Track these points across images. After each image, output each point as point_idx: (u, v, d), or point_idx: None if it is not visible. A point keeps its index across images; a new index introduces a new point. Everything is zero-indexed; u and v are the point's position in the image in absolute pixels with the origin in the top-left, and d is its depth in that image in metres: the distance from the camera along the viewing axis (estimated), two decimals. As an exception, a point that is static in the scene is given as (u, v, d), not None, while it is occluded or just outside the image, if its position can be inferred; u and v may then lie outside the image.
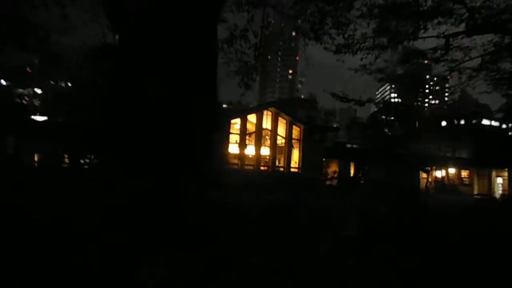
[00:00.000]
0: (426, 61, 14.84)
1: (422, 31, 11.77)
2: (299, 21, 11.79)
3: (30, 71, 34.05)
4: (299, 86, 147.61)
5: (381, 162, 36.18)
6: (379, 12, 11.05)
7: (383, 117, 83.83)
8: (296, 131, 32.30)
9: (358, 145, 54.35)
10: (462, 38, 12.17)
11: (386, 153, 39.63)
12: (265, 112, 31.23)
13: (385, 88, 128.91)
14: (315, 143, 32.38)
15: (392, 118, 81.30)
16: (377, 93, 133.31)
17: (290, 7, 10.87)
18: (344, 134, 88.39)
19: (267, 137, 31.28)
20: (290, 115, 31.95)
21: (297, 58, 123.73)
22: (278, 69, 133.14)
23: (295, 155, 32.47)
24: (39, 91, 38.45)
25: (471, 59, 12.90)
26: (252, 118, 31.12)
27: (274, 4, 10.77)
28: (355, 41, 11.66)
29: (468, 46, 12.42)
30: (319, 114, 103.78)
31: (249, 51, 11.70)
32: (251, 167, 30.43)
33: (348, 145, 51.31)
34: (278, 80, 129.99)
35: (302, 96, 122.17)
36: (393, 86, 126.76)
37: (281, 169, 31.85)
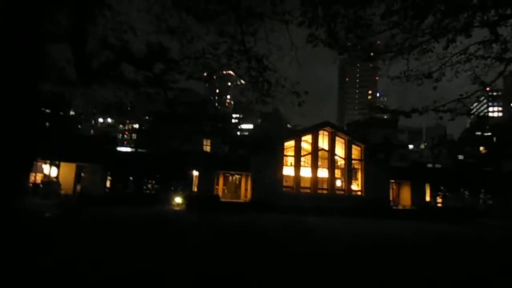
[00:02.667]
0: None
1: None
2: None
3: None
4: (382, 106, 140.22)
5: (466, 184, 31.47)
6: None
7: (479, 133, 74.46)
8: (356, 151, 29.96)
9: (446, 165, 48.53)
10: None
11: (474, 173, 34.46)
12: (321, 132, 29.71)
13: (481, 101, 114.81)
14: (379, 163, 29.56)
15: (490, 133, 71.78)
16: (472, 107, 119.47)
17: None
18: (430, 154, 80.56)
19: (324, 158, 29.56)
20: (348, 134, 29.88)
21: (376, 78, 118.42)
22: (357, 90, 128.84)
23: (358, 177, 29.97)
24: None
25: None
26: (307, 139, 29.86)
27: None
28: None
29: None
30: (401, 133, 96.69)
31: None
32: (308, 190, 28.87)
33: (430, 165, 46.08)
34: (356, 102, 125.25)
35: (385, 116, 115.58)
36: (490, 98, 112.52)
37: (342, 192, 29.57)
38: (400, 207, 31.51)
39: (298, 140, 29.53)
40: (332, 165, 29.16)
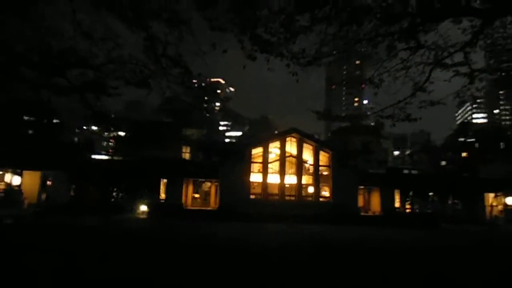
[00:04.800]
0: None
1: None
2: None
3: None
4: (369, 113, 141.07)
5: (437, 190, 31.58)
6: None
7: (462, 139, 75.15)
8: (324, 157, 29.94)
9: (422, 171, 48.77)
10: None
11: (447, 179, 34.63)
12: (288, 138, 29.65)
13: (465, 108, 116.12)
14: (347, 169, 29.53)
15: (473, 139, 72.44)
16: (456, 114, 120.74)
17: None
18: (410, 160, 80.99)
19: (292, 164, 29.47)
20: (315, 141, 29.87)
21: (363, 86, 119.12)
22: (343, 98, 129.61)
23: (327, 183, 29.88)
24: None
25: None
26: (275, 145, 29.79)
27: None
28: None
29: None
30: (385, 139, 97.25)
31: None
32: (276, 197, 28.70)
33: (407, 171, 46.22)
34: (344, 109, 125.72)
35: (372, 123, 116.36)
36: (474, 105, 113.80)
37: (309, 198, 29.45)
38: (370, 213, 31.47)
39: (266, 147, 29.43)
40: (300, 172, 29.07)
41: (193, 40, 10.93)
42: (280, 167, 29.09)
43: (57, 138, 45.97)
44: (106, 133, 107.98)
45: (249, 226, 21.09)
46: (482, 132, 72.93)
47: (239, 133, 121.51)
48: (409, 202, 30.45)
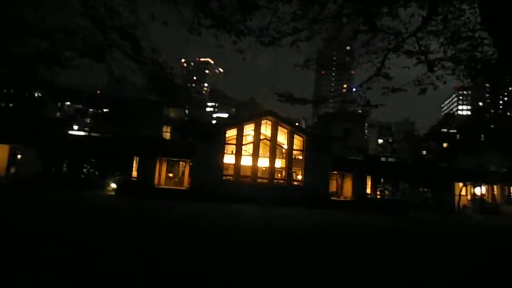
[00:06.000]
0: None
1: None
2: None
3: None
4: (358, 99, 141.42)
5: (408, 178, 32.03)
6: None
7: (444, 130, 75.99)
8: (298, 141, 29.95)
9: (400, 160, 49.34)
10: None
11: (419, 167, 35.10)
12: (263, 121, 29.52)
13: (451, 100, 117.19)
14: (320, 154, 29.63)
15: (455, 130, 73.44)
16: (442, 105, 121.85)
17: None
18: (389, 148, 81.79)
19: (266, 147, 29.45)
20: (290, 124, 29.81)
21: (352, 72, 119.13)
22: (332, 84, 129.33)
23: (299, 167, 30.00)
24: None
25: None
26: (249, 128, 29.65)
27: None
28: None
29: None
30: (371, 127, 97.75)
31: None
32: (247, 179, 28.75)
33: (384, 159, 46.70)
34: (332, 95, 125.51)
35: (360, 111, 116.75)
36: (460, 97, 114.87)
37: (282, 181, 29.60)
38: (342, 198, 31.85)
39: (241, 129, 29.27)
40: (273, 155, 29.08)
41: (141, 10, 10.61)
42: (254, 150, 29.05)
43: (38, 112, 44.91)
44: (91, 110, 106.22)
45: (214, 206, 21.16)
46: (464, 124, 73.97)
47: (226, 115, 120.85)
48: (380, 189, 30.84)
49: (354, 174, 31.62)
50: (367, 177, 31.83)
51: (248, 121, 29.97)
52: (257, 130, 29.21)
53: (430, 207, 30.28)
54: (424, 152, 67.34)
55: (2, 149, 28.54)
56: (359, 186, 31.09)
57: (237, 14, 9.79)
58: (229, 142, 29.20)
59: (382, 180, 30.90)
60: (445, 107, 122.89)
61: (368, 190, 31.83)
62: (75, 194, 21.31)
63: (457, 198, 31.67)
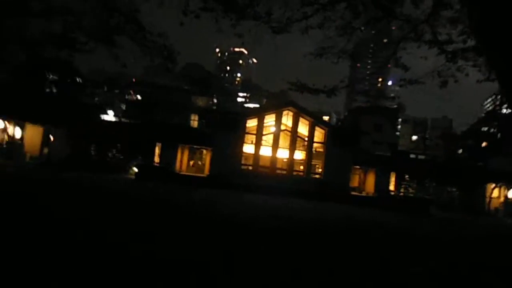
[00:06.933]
0: None
1: None
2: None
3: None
4: (393, 94, 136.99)
5: (436, 176, 30.72)
6: None
7: (485, 128, 72.12)
8: (320, 133, 29.44)
9: (430, 157, 47.43)
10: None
11: (449, 165, 33.57)
12: (285, 112, 29.24)
13: (496, 97, 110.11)
14: (343, 148, 28.97)
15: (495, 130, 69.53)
16: (485, 103, 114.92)
17: None
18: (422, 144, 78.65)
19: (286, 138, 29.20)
20: (312, 116, 29.31)
21: (389, 66, 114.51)
22: (367, 77, 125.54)
23: (320, 160, 29.56)
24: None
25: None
26: (270, 118, 29.48)
27: None
28: None
29: None
30: (405, 123, 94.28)
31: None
32: (266, 170, 28.71)
33: (413, 156, 45.01)
34: (367, 88, 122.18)
35: (395, 106, 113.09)
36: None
37: (301, 173, 29.30)
38: (364, 193, 31.10)
39: (261, 119, 29.18)
40: (293, 146, 28.81)
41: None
42: (274, 140, 28.90)
43: (77, 97, 46.97)
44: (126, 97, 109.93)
45: (228, 194, 21.34)
46: (506, 123, 69.61)
47: (257, 105, 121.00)
48: (403, 186, 29.75)
49: (377, 170, 30.71)
50: (392, 173, 30.82)
51: (269, 111, 29.79)
52: (278, 121, 28.99)
53: (457, 207, 28.89)
54: (460, 151, 64.24)
55: (37, 130, 30.19)
56: (382, 182, 30.19)
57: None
58: (249, 131, 29.23)
59: (406, 177, 29.69)
60: (488, 105, 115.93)
61: (392, 187, 30.83)
62: (94, 177, 22.19)
63: (487, 199, 29.98)
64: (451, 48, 11.07)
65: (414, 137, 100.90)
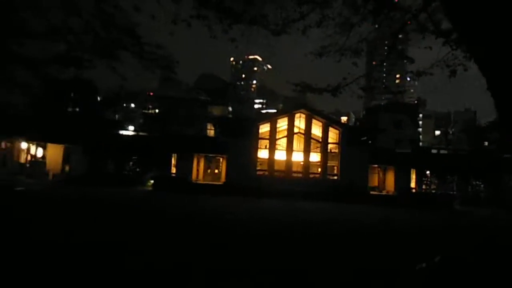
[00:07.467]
0: None
1: None
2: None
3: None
4: (412, 90, 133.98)
5: (463, 169, 29.65)
6: None
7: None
8: (334, 134, 29.04)
9: (452, 151, 45.77)
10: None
11: (475, 159, 32.31)
12: (297, 115, 29.03)
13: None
14: (359, 147, 28.47)
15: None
16: None
17: None
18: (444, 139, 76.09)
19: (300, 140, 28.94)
20: (325, 117, 28.95)
21: (405, 61, 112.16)
22: (384, 74, 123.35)
23: (335, 160, 29.12)
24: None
25: None
26: (283, 121, 29.34)
27: None
28: None
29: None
30: (426, 118, 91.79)
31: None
32: (281, 174, 28.52)
33: (435, 151, 43.59)
34: (384, 86, 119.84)
35: (416, 101, 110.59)
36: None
37: (317, 175, 28.92)
38: (384, 192, 30.35)
39: (274, 123, 29.09)
40: (307, 149, 28.52)
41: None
42: (288, 144, 28.72)
43: (97, 114, 48.33)
44: (144, 111, 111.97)
45: (243, 200, 21.26)
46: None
47: (274, 111, 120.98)
48: (425, 182, 28.84)
49: (396, 167, 29.94)
50: (412, 170, 29.96)
51: (281, 115, 29.67)
52: (291, 124, 28.82)
53: (483, 201, 27.71)
54: (486, 143, 61.74)
55: (57, 148, 31.18)
56: (402, 179, 29.38)
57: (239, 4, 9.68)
58: (263, 137, 29.17)
59: (428, 173, 28.78)
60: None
61: (413, 184, 29.95)
62: (110, 191, 22.59)
63: (516, 192, 28.65)
64: (455, 36, 10.68)
65: (437, 132, 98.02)
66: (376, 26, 13.54)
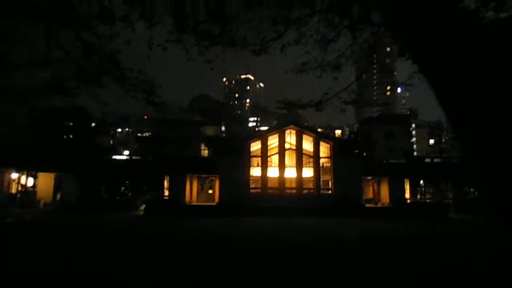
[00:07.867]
0: None
1: None
2: None
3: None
4: (404, 101, 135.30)
5: (457, 177, 29.57)
6: None
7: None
8: (325, 148, 29.06)
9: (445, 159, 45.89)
10: None
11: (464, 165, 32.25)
12: (287, 131, 29.10)
13: None
14: (351, 160, 28.47)
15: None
16: None
17: None
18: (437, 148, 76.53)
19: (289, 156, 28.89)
20: (315, 132, 29.04)
21: (395, 73, 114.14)
22: (375, 87, 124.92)
23: (328, 174, 29.02)
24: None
25: None
26: (274, 138, 29.37)
27: None
28: None
29: None
30: (419, 128, 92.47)
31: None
32: (275, 191, 28.33)
33: (428, 160, 43.72)
34: (375, 98, 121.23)
35: (408, 112, 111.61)
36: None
37: (310, 191, 28.75)
38: (379, 205, 30.16)
39: (265, 140, 29.10)
40: (300, 164, 28.46)
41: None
42: (280, 160, 28.66)
43: (92, 141, 48.13)
44: (138, 135, 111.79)
45: (233, 220, 20.96)
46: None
47: (267, 128, 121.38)
48: (420, 192, 28.74)
49: (390, 179, 29.86)
50: (406, 180, 29.88)
51: (272, 132, 29.74)
52: (282, 140, 28.85)
53: (480, 208, 27.53)
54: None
55: (49, 177, 30.90)
56: (396, 191, 29.25)
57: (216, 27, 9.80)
58: (254, 154, 29.12)
59: (421, 182, 28.71)
60: None
61: (407, 195, 29.81)
62: (101, 218, 22.22)
63: None
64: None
65: (432, 141, 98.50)
66: (354, 41, 13.78)
